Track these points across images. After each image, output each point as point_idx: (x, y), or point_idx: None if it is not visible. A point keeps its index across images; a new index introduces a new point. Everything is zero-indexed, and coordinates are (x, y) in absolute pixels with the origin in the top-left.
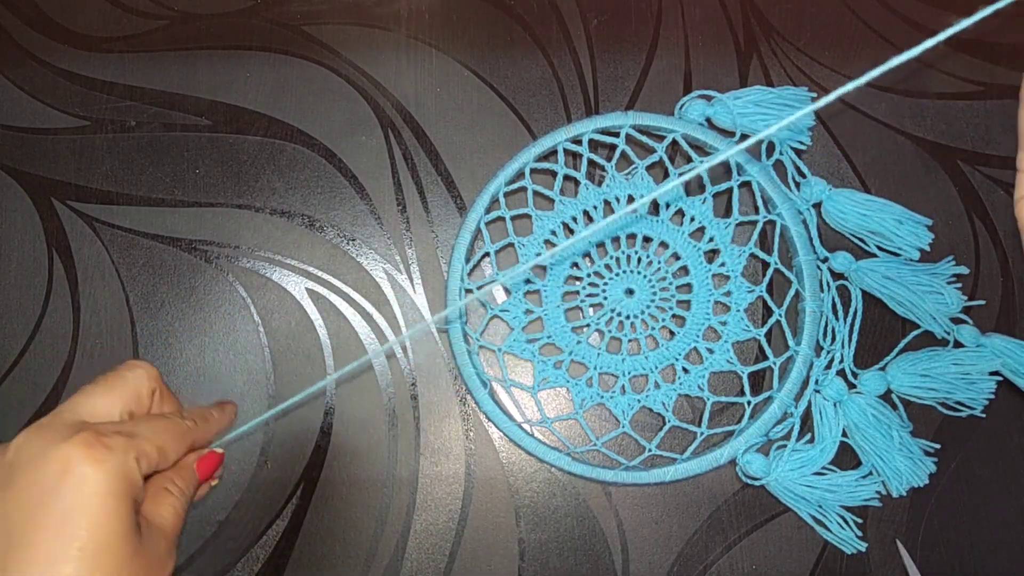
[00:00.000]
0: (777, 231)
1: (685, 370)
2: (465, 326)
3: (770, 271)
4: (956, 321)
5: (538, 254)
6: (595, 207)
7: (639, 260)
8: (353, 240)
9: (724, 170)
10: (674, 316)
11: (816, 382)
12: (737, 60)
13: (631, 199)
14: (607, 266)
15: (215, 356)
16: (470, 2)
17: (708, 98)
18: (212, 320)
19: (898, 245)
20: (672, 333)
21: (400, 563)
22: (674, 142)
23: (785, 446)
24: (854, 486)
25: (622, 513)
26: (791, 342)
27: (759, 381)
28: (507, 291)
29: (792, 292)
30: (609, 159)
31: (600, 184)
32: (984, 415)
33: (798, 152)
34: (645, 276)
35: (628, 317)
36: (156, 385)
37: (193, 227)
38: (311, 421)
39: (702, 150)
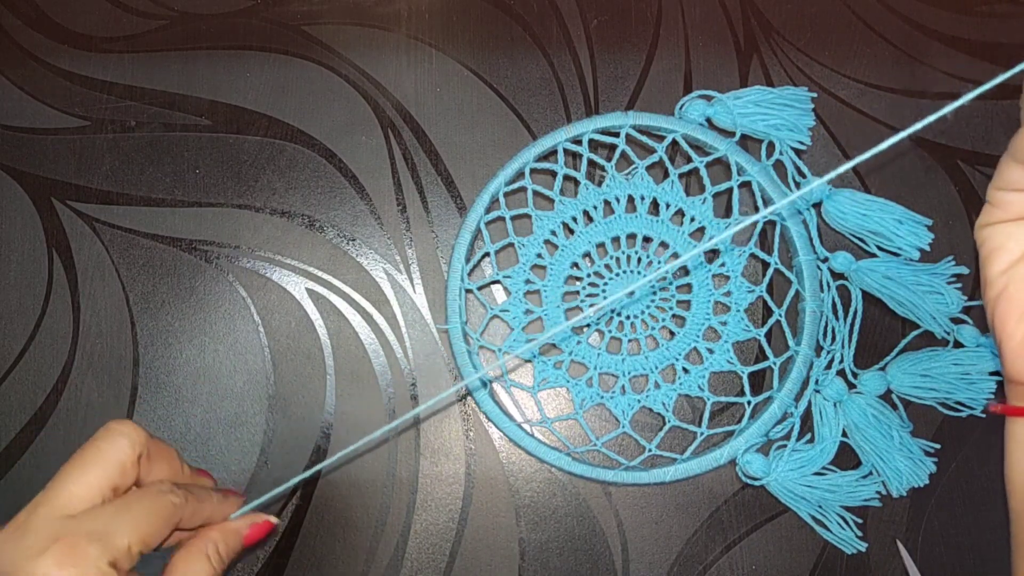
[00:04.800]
0: (777, 231)
1: (685, 370)
2: (465, 326)
3: (770, 271)
4: (956, 321)
5: (539, 254)
6: (595, 207)
7: (639, 260)
8: (353, 240)
9: (724, 170)
10: (674, 316)
11: (816, 382)
12: (737, 60)
13: (637, 199)
14: (607, 266)
15: (215, 356)
16: (470, 2)
17: (708, 98)
18: (212, 320)
19: (898, 245)
20: (672, 333)
21: (400, 563)
22: (674, 142)
23: (785, 446)
24: (854, 486)
25: (622, 513)
26: (791, 342)
27: (759, 381)
28: (507, 291)
29: (792, 292)
30: (609, 159)
31: (600, 184)
32: (984, 415)
33: (798, 152)
34: (645, 276)
35: (628, 317)
36: (142, 449)
37: (193, 227)
38: (311, 421)
39: (702, 150)
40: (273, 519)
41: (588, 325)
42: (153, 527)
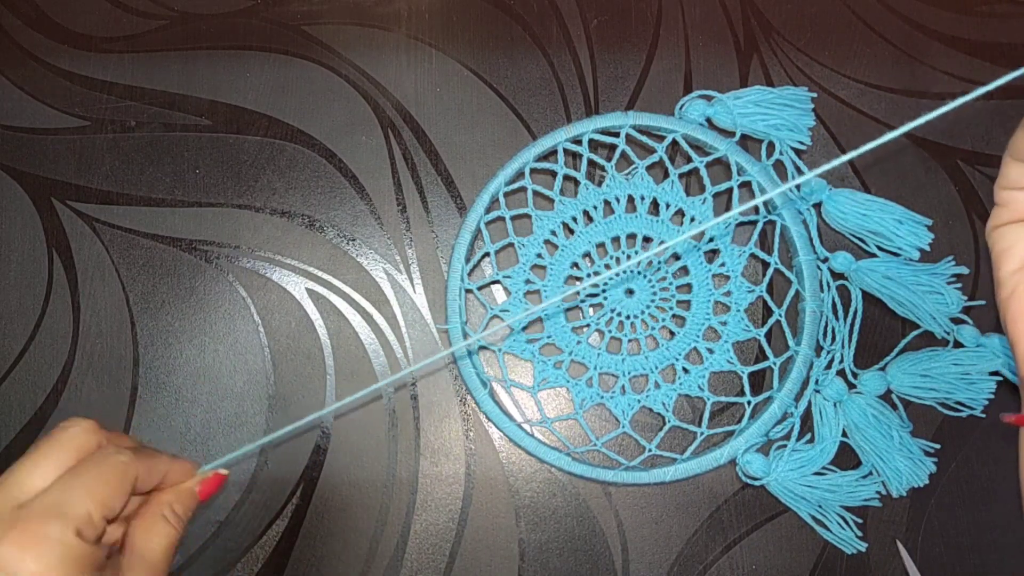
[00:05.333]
0: (777, 231)
1: (685, 370)
2: (465, 326)
3: (770, 271)
4: (956, 321)
5: (539, 254)
6: (595, 207)
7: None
8: (353, 240)
9: (724, 170)
10: (674, 316)
11: (816, 382)
12: (737, 60)
13: (637, 199)
14: (607, 266)
15: (215, 356)
16: (470, 2)
17: (708, 98)
18: (212, 320)
19: (898, 245)
20: (672, 333)
21: (400, 563)
22: (674, 142)
23: (785, 446)
24: (854, 486)
25: (622, 513)
26: (791, 342)
27: (759, 381)
28: (507, 291)
29: (792, 292)
30: (609, 159)
31: (600, 184)
32: (984, 415)
33: (798, 152)
34: (645, 276)
35: (628, 317)
36: (97, 438)
37: (193, 227)
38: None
39: (702, 150)
40: (223, 471)
41: (588, 325)
42: (109, 489)
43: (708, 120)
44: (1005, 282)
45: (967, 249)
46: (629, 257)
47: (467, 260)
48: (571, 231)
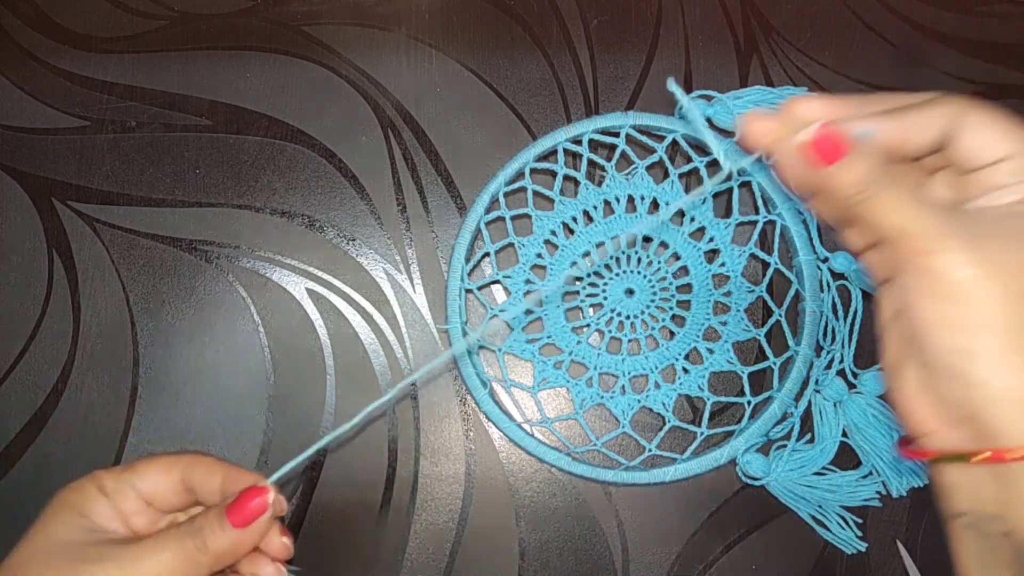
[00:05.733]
0: (777, 231)
1: (685, 370)
2: (465, 326)
3: (770, 271)
4: None
5: (539, 254)
6: (595, 207)
7: (639, 260)
8: (353, 240)
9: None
10: (674, 316)
11: (816, 382)
12: (737, 60)
13: (637, 199)
14: (607, 266)
15: (215, 356)
16: (470, 2)
17: (708, 98)
18: (212, 320)
19: None
20: (672, 333)
21: (400, 563)
22: (674, 142)
23: (785, 446)
24: (854, 486)
25: (622, 513)
26: (791, 342)
27: (759, 381)
28: (507, 291)
29: (792, 292)
30: (609, 159)
31: (600, 184)
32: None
33: None
34: (645, 276)
35: (628, 317)
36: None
37: (193, 227)
38: (311, 421)
39: (702, 150)
40: (264, 486)
41: (588, 325)
42: (146, 463)
43: (708, 120)
44: (880, 337)
45: None
46: (629, 258)
47: (467, 260)
48: (571, 231)
